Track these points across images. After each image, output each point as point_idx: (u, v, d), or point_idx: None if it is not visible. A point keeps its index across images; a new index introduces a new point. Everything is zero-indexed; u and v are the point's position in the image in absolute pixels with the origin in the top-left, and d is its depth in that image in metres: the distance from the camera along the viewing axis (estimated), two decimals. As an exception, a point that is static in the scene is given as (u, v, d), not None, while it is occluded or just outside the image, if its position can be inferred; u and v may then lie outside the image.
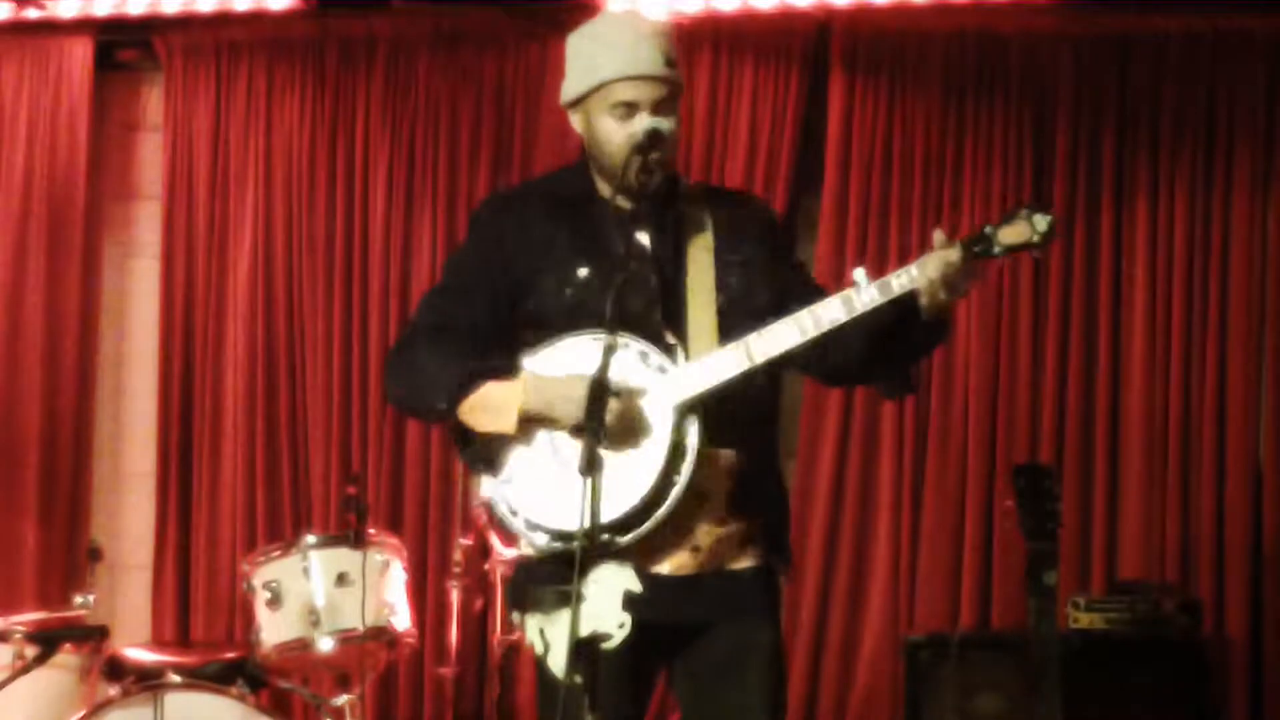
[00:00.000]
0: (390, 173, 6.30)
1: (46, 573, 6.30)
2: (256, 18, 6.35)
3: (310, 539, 4.98)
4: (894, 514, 5.95)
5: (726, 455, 3.31)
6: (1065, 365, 5.90)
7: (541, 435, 3.31)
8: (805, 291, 3.36)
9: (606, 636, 3.04)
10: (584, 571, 2.97)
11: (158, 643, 6.11)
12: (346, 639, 4.88)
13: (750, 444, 3.35)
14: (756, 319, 3.29)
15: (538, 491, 3.31)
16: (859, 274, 3.25)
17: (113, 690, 4.87)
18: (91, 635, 4.97)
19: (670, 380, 3.25)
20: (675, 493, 3.23)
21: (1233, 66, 5.85)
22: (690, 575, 3.31)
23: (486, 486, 3.40)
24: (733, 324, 3.31)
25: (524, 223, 3.43)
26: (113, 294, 6.58)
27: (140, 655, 5.21)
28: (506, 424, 3.29)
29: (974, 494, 5.88)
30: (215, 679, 4.90)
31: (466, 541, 5.34)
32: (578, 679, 2.94)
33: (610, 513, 3.07)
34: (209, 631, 6.24)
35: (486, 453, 3.34)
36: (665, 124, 3.31)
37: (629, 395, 3.21)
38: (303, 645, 4.88)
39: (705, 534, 3.32)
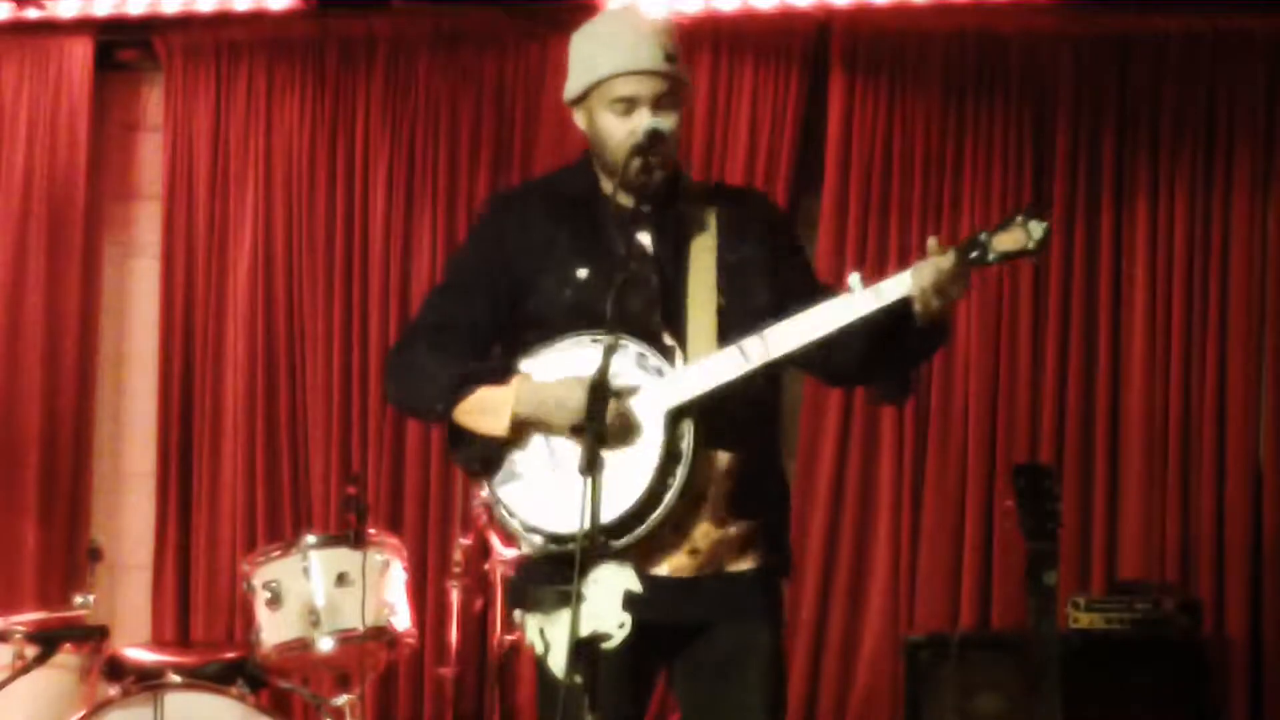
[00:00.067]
0: (390, 173, 6.30)
1: (46, 573, 6.30)
2: (256, 18, 6.35)
3: (310, 539, 4.98)
4: (894, 514, 5.95)
5: (724, 457, 3.30)
6: (1065, 365, 5.90)
7: (537, 438, 3.31)
8: (808, 291, 3.34)
9: (606, 636, 3.03)
10: (584, 571, 2.96)
11: (158, 643, 6.11)
12: (346, 639, 4.88)
13: (749, 445, 3.34)
14: (757, 319, 3.27)
15: (534, 494, 3.31)
16: (854, 279, 3.24)
17: (113, 690, 4.87)
18: (91, 635, 4.97)
19: (667, 383, 3.25)
20: (670, 497, 3.22)
21: (1233, 66, 5.85)
22: (689, 577, 3.31)
23: (486, 486, 3.41)
24: (733, 325, 3.30)
25: (525, 223, 3.43)
26: (113, 294, 6.58)
27: (140, 655, 5.20)
28: (500, 427, 3.29)
29: (974, 494, 5.89)
30: (215, 679, 4.89)
31: (466, 541, 5.34)
32: (578, 679, 2.93)
33: (605, 516, 3.07)
34: (209, 631, 6.24)
35: (483, 454, 3.34)
36: (665, 123, 3.30)
37: (625, 396, 3.20)
38: (303, 645, 4.88)
39: (703, 536, 3.31)
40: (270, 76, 6.39)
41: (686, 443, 3.23)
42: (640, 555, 3.20)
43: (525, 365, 3.35)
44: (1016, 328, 5.92)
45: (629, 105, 3.33)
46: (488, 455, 3.34)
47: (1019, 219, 3.19)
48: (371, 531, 4.99)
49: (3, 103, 6.47)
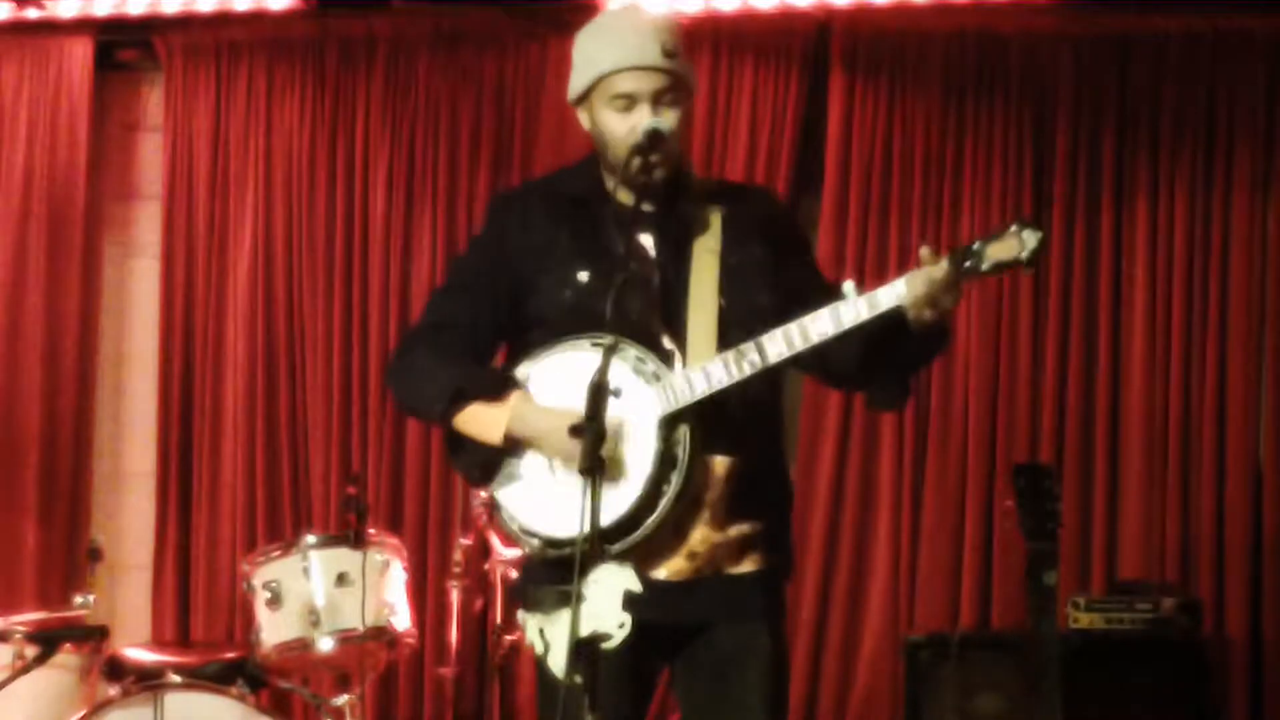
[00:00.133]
0: (390, 173, 6.30)
1: (46, 573, 6.30)
2: (256, 18, 6.35)
3: (310, 539, 4.97)
4: (894, 514, 5.95)
5: (722, 462, 3.30)
6: (1065, 365, 5.90)
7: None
8: (812, 292, 3.30)
9: (606, 636, 3.03)
10: (584, 572, 2.96)
11: (158, 643, 6.11)
12: (346, 639, 4.88)
13: (748, 449, 3.33)
14: (759, 321, 3.26)
15: (531, 497, 3.31)
16: (848, 287, 3.21)
17: (113, 690, 4.87)
18: (91, 635, 4.97)
19: (663, 388, 3.24)
20: (664, 503, 3.21)
21: (1233, 66, 5.85)
22: (687, 580, 3.30)
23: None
24: (734, 328, 3.28)
25: (525, 223, 3.43)
26: (113, 294, 6.58)
27: (140, 655, 5.20)
28: (494, 439, 3.31)
29: (974, 494, 5.89)
30: (215, 679, 4.89)
31: (466, 541, 5.34)
32: (578, 679, 2.93)
33: (602, 521, 3.06)
34: (209, 631, 6.24)
35: (482, 460, 3.35)
36: (665, 123, 3.29)
37: (621, 397, 3.20)
38: (303, 645, 4.87)
39: (701, 541, 3.30)
40: (270, 76, 6.39)
41: (682, 448, 3.23)
42: (638, 559, 3.19)
43: (525, 368, 3.35)
44: (1016, 328, 5.92)
45: (629, 102, 3.32)
46: (486, 461, 3.34)
47: (1013, 228, 3.15)
48: (371, 531, 4.99)
49: (3, 103, 6.47)
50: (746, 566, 3.35)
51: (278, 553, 4.98)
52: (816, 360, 3.29)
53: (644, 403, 3.23)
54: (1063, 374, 5.90)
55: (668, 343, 3.30)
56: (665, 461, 3.22)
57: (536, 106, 6.21)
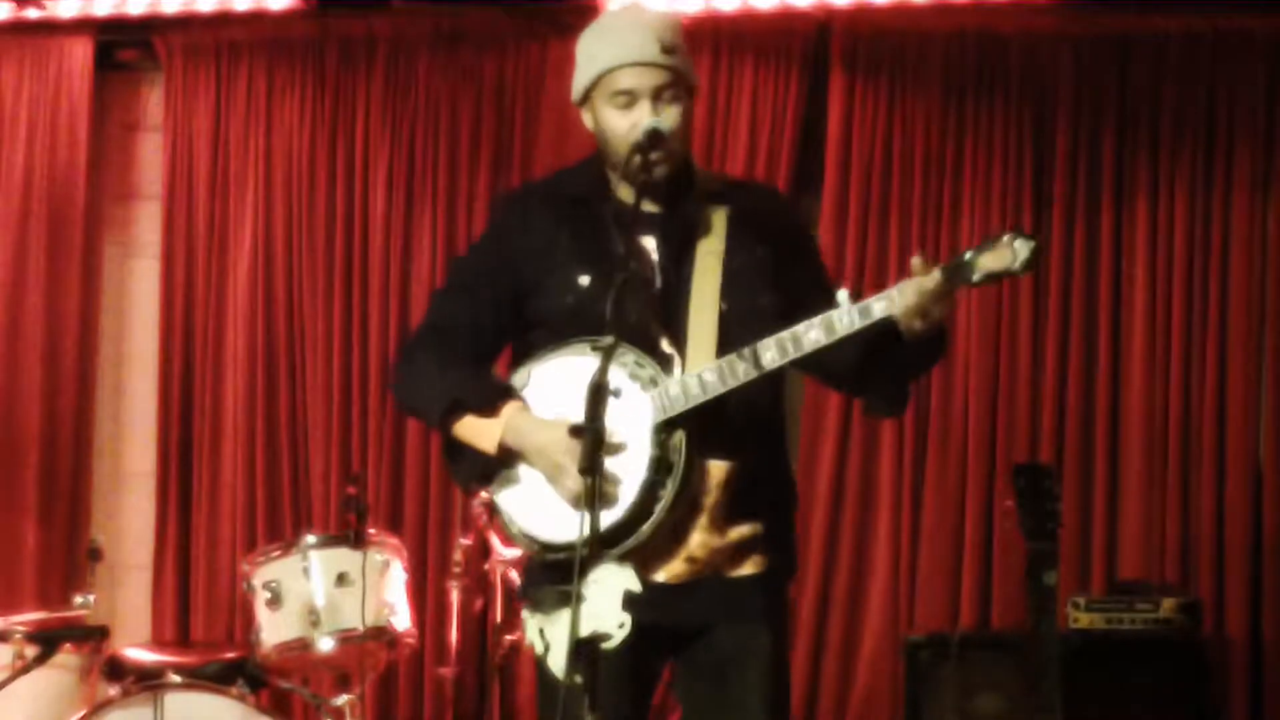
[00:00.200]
0: (390, 173, 6.30)
1: (46, 573, 6.30)
2: (256, 18, 6.35)
3: (310, 539, 4.98)
4: (894, 514, 5.95)
5: (720, 466, 3.29)
6: (1065, 365, 5.90)
7: None
8: (815, 296, 3.29)
9: (606, 636, 3.03)
10: (584, 572, 2.96)
11: (158, 643, 6.11)
12: (346, 639, 4.88)
13: (747, 452, 3.32)
14: (761, 324, 3.25)
15: (529, 500, 3.31)
16: (842, 295, 3.19)
17: (113, 690, 4.87)
18: (91, 635, 4.98)
19: (658, 394, 3.23)
20: (659, 509, 3.21)
21: (1233, 66, 5.85)
22: (687, 582, 3.30)
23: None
24: (735, 332, 3.27)
25: (526, 224, 3.43)
26: (113, 294, 6.58)
27: (140, 655, 5.20)
28: (489, 449, 3.32)
29: (974, 494, 5.88)
30: (215, 679, 4.90)
31: (466, 541, 5.34)
32: (578, 679, 2.93)
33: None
34: (209, 631, 6.24)
35: (482, 470, 3.35)
36: (665, 121, 3.28)
37: (621, 397, 3.19)
38: (303, 645, 4.88)
39: (700, 545, 3.29)
40: (270, 76, 6.39)
41: (678, 455, 3.22)
42: (637, 562, 3.18)
43: (526, 371, 3.35)
44: (1016, 328, 5.92)
45: (629, 98, 3.31)
46: (484, 468, 3.34)
47: (1005, 238, 3.13)
48: (371, 531, 5.00)
49: (3, 103, 6.46)
50: (747, 569, 3.35)
51: (278, 553, 4.98)
52: (817, 363, 3.28)
53: (639, 408, 3.22)
54: (1063, 374, 5.90)
55: (666, 346, 3.29)
56: (660, 467, 3.21)
57: (536, 106, 6.20)
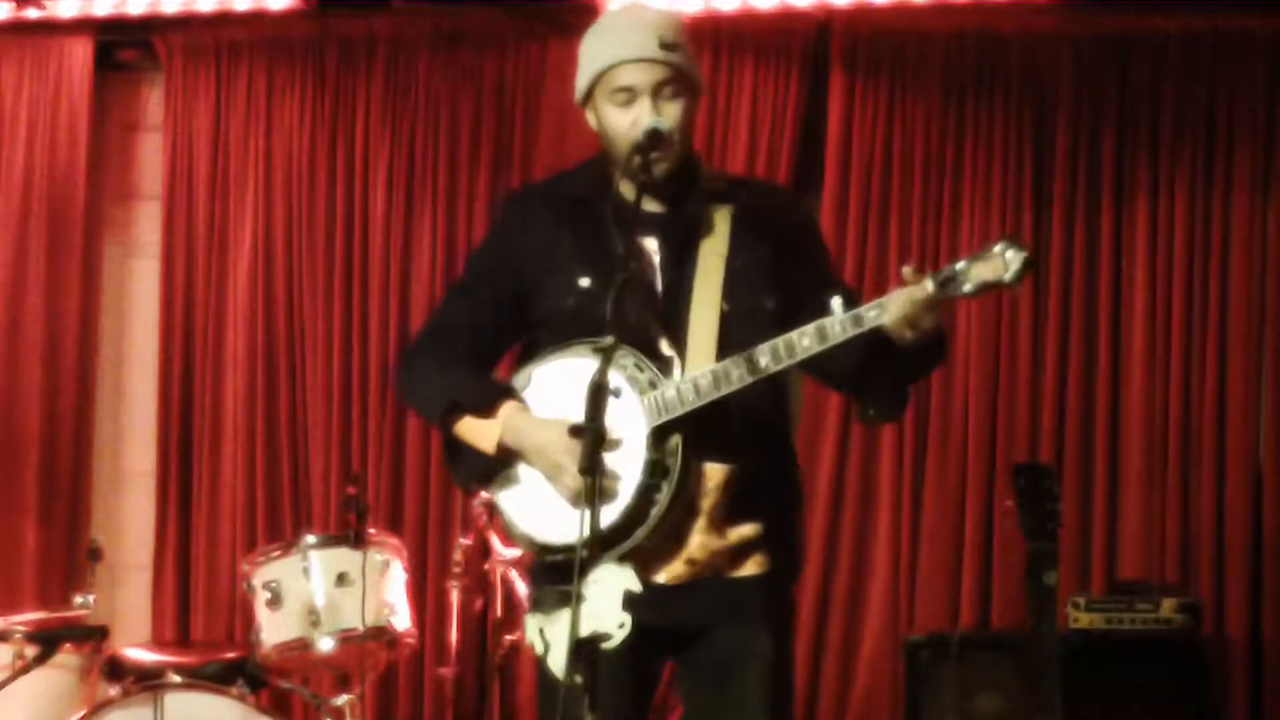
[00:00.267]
0: (390, 173, 6.30)
1: (46, 573, 6.30)
2: (256, 18, 6.35)
3: (310, 539, 4.98)
4: (894, 514, 5.95)
5: (719, 470, 3.28)
6: (1065, 365, 5.90)
7: None
8: (816, 299, 3.25)
9: (606, 636, 3.03)
10: (584, 572, 2.96)
11: (158, 643, 6.11)
12: (346, 639, 4.88)
13: (747, 455, 3.31)
14: (762, 326, 3.24)
15: (528, 501, 3.32)
16: (835, 302, 3.17)
17: (113, 690, 4.87)
18: (91, 635, 4.97)
19: (654, 398, 3.22)
20: (655, 512, 3.20)
21: (1233, 66, 5.85)
22: (687, 583, 3.30)
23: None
24: (736, 333, 3.26)
25: (528, 225, 3.43)
26: (113, 294, 6.58)
27: (140, 655, 5.20)
28: (488, 448, 3.33)
29: (974, 494, 5.88)
30: (215, 679, 4.90)
31: (466, 541, 5.33)
32: (578, 679, 2.93)
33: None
34: (209, 631, 6.24)
35: (483, 470, 3.35)
36: (666, 120, 3.28)
37: (620, 397, 3.19)
38: (303, 645, 4.88)
39: (699, 547, 3.29)
40: (270, 76, 6.39)
41: (675, 458, 3.21)
42: (637, 563, 3.18)
43: (528, 372, 3.36)
44: (1016, 328, 5.92)
45: (629, 95, 3.31)
46: (485, 469, 3.35)
47: (996, 249, 3.11)
48: (371, 531, 4.99)
49: (3, 103, 6.46)
50: (748, 570, 3.34)
51: (278, 553, 4.98)
52: (816, 365, 3.27)
53: (636, 412, 3.22)
54: (1063, 374, 5.90)
55: (666, 348, 3.28)
56: (656, 471, 3.21)
57: (536, 106, 6.20)
